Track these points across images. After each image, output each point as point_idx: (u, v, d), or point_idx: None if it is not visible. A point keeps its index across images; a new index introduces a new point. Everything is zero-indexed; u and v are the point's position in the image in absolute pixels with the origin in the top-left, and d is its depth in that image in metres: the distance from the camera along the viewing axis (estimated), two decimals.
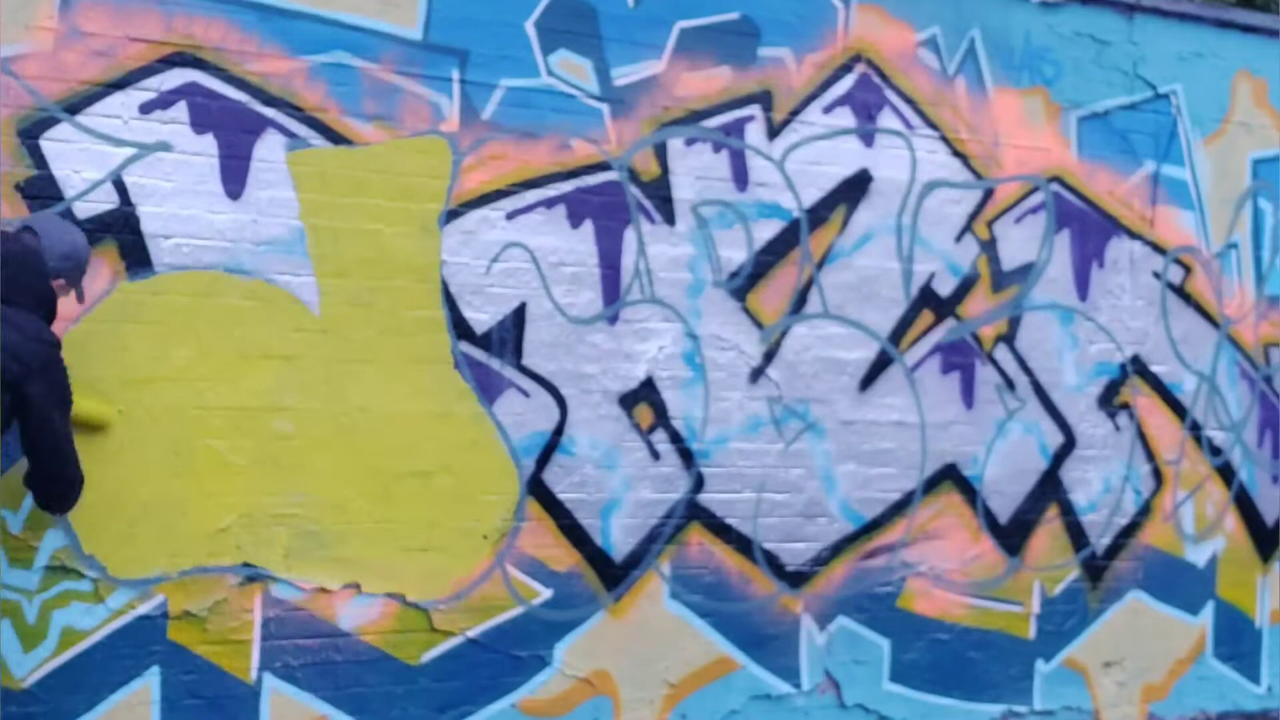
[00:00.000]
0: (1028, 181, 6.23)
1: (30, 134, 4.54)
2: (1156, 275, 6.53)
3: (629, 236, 5.44)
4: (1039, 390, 6.26)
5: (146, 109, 4.69)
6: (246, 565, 4.83)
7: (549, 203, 5.30)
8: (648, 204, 5.48)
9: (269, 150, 4.87)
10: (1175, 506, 6.59)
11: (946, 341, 6.06)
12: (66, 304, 4.56)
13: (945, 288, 6.06)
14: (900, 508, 5.97)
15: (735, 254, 5.63)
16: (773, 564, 5.73)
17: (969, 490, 6.11)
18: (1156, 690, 6.57)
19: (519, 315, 5.25)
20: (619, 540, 5.44)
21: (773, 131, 5.71)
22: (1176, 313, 6.59)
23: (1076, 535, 6.36)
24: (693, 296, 5.56)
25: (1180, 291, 6.60)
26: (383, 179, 5.02)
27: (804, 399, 5.77)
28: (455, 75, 5.15)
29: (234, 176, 4.82)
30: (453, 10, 5.14)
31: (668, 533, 5.53)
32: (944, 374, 6.06)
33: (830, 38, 5.82)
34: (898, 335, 5.96)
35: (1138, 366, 6.50)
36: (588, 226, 5.37)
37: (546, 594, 5.32)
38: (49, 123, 4.57)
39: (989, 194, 6.15)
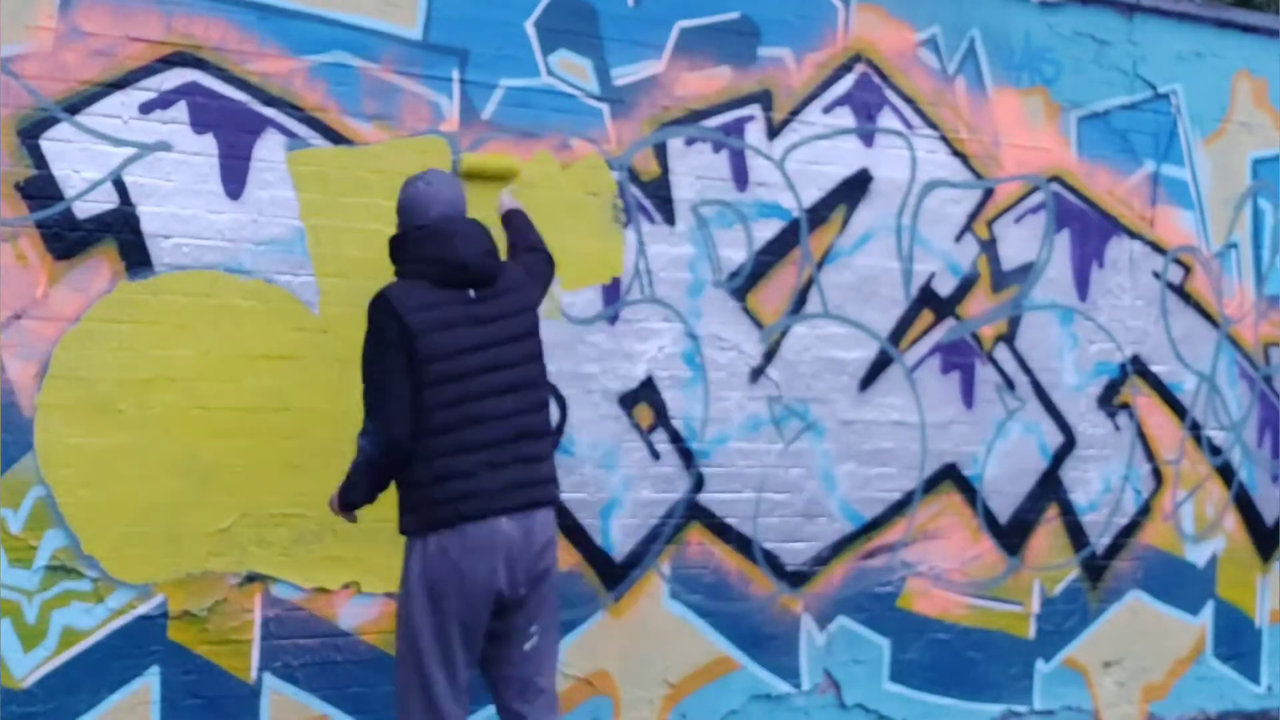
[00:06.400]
0: (1028, 181, 6.23)
1: (30, 134, 4.54)
2: (1156, 275, 6.53)
3: (629, 236, 5.44)
4: (1039, 390, 6.26)
5: (146, 109, 4.69)
6: (246, 565, 4.83)
7: None
8: (648, 204, 5.48)
9: (269, 150, 4.87)
10: (1175, 506, 6.59)
11: (946, 341, 6.06)
12: (67, 303, 4.57)
13: (945, 288, 6.06)
14: (900, 508, 5.97)
15: (735, 254, 5.63)
16: (773, 564, 5.73)
17: (969, 490, 6.11)
18: (1156, 690, 6.57)
19: None
20: (619, 540, 5.44)
21: (773, 131, 5.71)
22: (1176, 313, 6.59)
23: (1076, 535, 6.36)
24: (693, 296, 5.56)
25: (1180, 291, 6.60)
26: (383, 179, 5.01)
27: (804, 399, 5.77)
28: (455, 75, 5.15)
29: (234, 176, 4.82)
30: (453, 10, 5.13)
31: (668, 533, 5.53)
32: (944, 374, 6.06)
33: (830, 37, 5.82)
34: (898, 335, 5.96)
35: (1138, 366, 6.50)
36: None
37: None
38: (49, 123, 4.56)
39: (989, 194, 6.15)
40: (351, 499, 4.36)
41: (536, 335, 4.43)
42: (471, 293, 4.28)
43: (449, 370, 4.17)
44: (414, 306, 4.17)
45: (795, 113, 5.75)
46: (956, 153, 6.07)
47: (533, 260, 4.66)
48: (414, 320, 4.15)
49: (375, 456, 4.22)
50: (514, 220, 4.86)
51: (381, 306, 4.21)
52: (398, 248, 4.37)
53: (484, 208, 4.80)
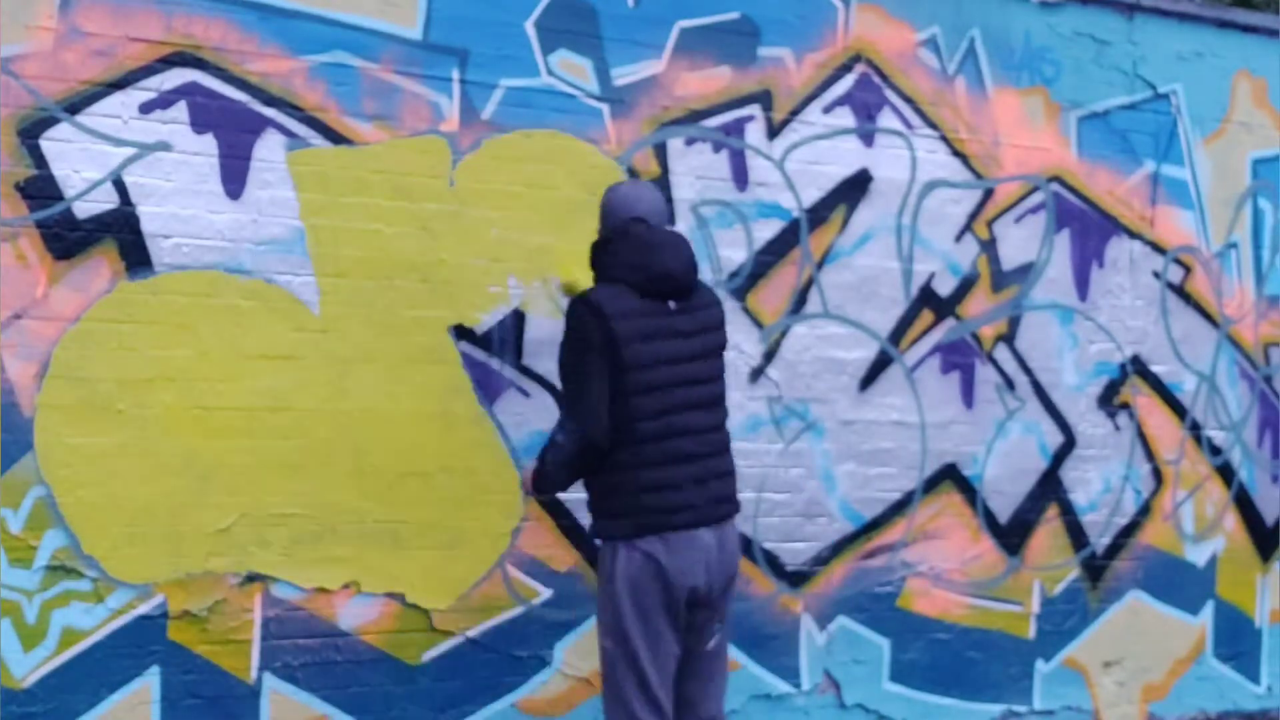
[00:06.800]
0: (1028, 181, 6.23)
1: (30, 134, 4.53)
2: (1156, 275, 6.54)
3: None
4: (1039, 390, 6.27)
5: (146, 109, 4.69)
6: (246, 565, 4.83)
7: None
8: None
9: (269, 150, 4.87)
10: (1175, 506, 6.60)
11: (946, 341, 6.06)
12: (67, 303, 4.58)
13: (945, 288, 6.06)
14: (900, 508, 5.98)
15: (735, 254, 5.63)
16: (773, 564, 5.73)
17: (969, 490, 6.11)
18: (1156, 690, 6.57)
19: (519, 315, 5.25)
20: None
21: (773, 131, 5.71)
22: (1176, 313, 6.59)
23: (1076, 535, 6.36)
24: None
25: (1180, 291, 6.60)
26: (383, 179, 5.02)
27: (804, 399, 5.77)
28: (455, 75, 5.15)
29: (234, 176, 4.82)
30: (453, 10, 5.14)
31: None
32: (944, 374, 6.06)
33: (830, 37, 5.82)
34: (898, 335, 5.96)
35: (1138, 366, 6.50)
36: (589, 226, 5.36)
37: (546, 594, 5.32)
38: (49, 123, 4.56)
39: (989, 194, 6.15)
40: (544, 489, 4.60)
41: (723, 354, 4.61)
42: (671, 304, 4.39)
43: (650, 380, 4.31)
44: (620, 313, 4.28)
45: (795, 113, 5.75)
46: (956, 153, 6.07)
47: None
48: (620, 327, 4.27)
49: (573, 454, 4.36)
50: None
51: (587, 310, 4.32)
52: (601, 253, 4.48)
53: None
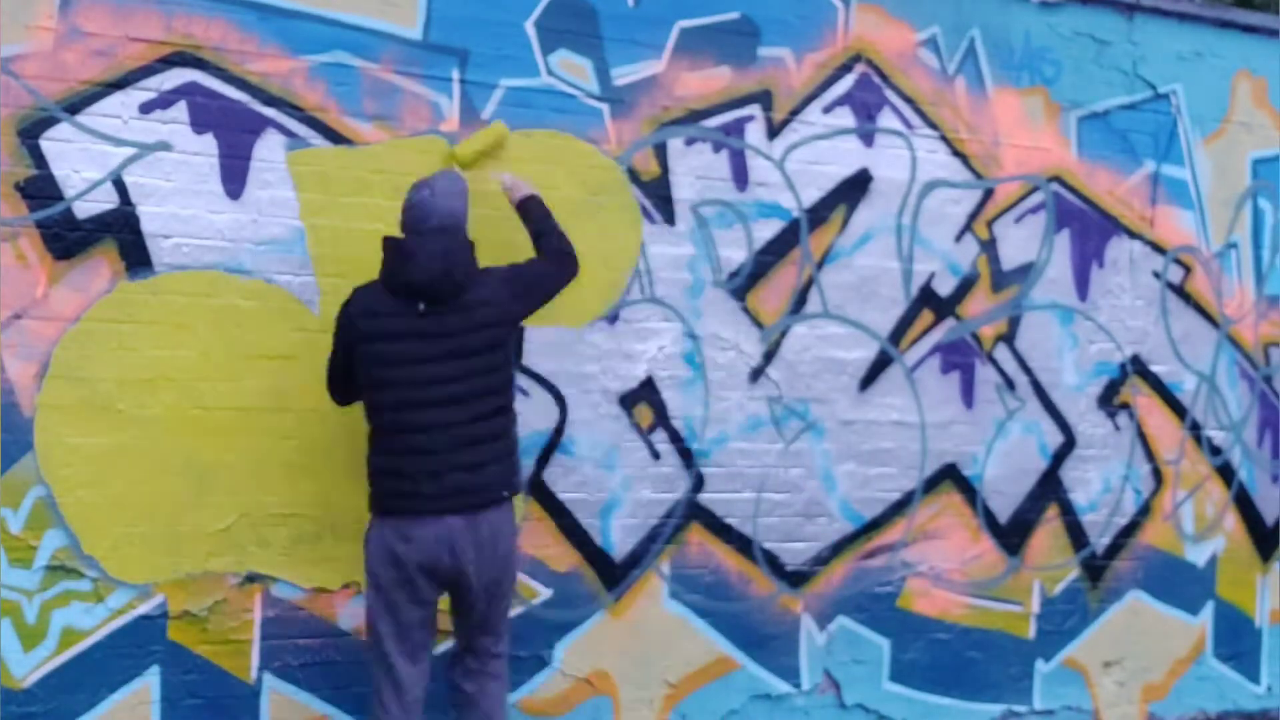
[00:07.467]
0: (1028, 181, 6.23)
1: (30, 134, 4.54)
2: (1156, 275, 6.53)
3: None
4: (1039, 390, 6.27)
5: (146, 109, 4.70)
6: (246, 565, 4.83)
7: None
8: (648, 204, 5.48)
9: (269, 150, 4.87)
10: (1175, 506, 6.59)
11: (946, 341, 6.06)
12: (67, 303, 4.58)
13: (945, 288, 6.06)
14: (900, 508, 5.98)
15: (735, 254, 5.63)
16: (773, 564, 5.74)
17: (969, 490, 6.11)
18: (1156, 690, 6.57)
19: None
20: (619, 540, 5.44)
21: (773, 131, 5.71)
22: (1176, 312, 6.59)
23: (1076, 535, 6.36)
24: (693, 296, 5.56)
25: (1180, 291, 6.60)
26: (383, 179, 5.02)
27: (804, 399, 5.77)
28: (455, 75, 5.15)
29: (234, 176, 4.82)
30: (453, 10, 5.14)
31: (668, 533, 5.53)
32: (944, 374, 6.06)
33: (830, 37, 5.82)
34: (898, 335, 5.96)
35: (1138, 366, 6.50)
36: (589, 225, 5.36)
37: (546, 594, 5.32)
38: (49, 122, 4.57)
39: (989, 194, 6.15)
40: None
41: (499, 348, 4.62)
42: (421, 306, 4.51)
43: (387, 377, 4.51)
44: (366, 312, 4.54)
45: (795, 113, 5.75)
46: (956, 153, 6.07)
47: (528, 270, 4.78)
48: (363, 325, 4.53)
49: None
50: (532, 213, 4.94)
51: (343, 306, 4.60)
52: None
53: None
